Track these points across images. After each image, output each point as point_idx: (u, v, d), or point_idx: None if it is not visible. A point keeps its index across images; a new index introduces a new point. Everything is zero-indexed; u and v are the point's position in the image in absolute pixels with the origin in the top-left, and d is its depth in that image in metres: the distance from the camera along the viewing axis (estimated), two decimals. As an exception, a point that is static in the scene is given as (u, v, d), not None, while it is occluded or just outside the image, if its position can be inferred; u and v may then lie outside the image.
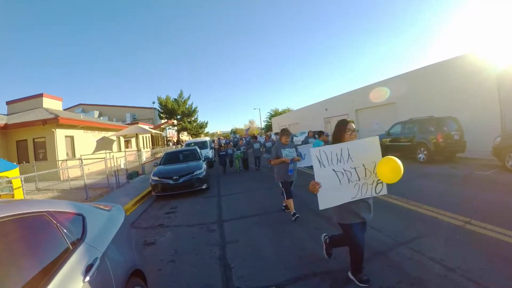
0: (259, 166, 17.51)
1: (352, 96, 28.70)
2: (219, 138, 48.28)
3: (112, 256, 2.87)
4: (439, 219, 6.15)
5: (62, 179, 16.49)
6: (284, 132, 7.35)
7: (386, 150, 14.81)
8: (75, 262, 2.38)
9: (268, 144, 16.78)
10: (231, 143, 21.15)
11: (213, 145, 28.30)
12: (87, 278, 2.34)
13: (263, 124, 75.75)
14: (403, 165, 3.52)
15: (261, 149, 17.42)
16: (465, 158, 13.35)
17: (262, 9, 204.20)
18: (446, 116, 14.11)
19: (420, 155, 13.96)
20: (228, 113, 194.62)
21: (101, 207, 3.76)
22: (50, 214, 2.51)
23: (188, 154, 14.08)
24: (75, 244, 2.58)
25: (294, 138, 28.11)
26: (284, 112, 69.87)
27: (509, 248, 4.61)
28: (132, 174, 16.39)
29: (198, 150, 14.87)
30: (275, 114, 73.34)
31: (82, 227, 2.86)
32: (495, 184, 8.58)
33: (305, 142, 14.67)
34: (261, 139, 23.79)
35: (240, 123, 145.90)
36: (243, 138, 33.58)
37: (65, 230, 2.56)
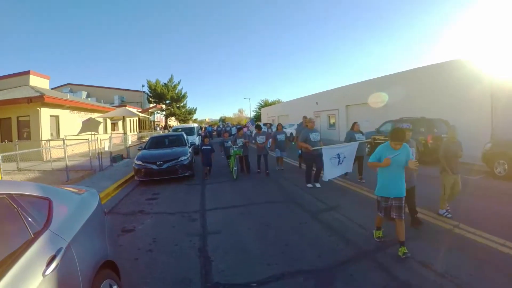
0: (267, 168, 11.99)
1: (343, 92, 28.51)
2: (206, 127, 47.71)
3: (79, 246, 2.60)
4: (428, 221, 6.06)
5: (45, 159, 16.01)
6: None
7: (375, 147, 14.65)
8: (35, 253, 2.12)
9: (281, 136, 12.61)
10: (227, 132, 15.54)
11: (200, 132, 27.79)
12: (48, 271, 2.09)
13: (252, 114, 75.42)
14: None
15: (264, 143, 12.32)
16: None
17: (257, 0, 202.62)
18: (437, 118, 14.02)
19: (411, 148, 13.77)
20: (218, 101, 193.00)
21: (74, 190, 3.50)
22: (10, 198, 2.24)
23: (174, 140, 13.76)
24: (38, 232, 2.32)
25: (283, 129, 27.80)
26: (274, 103, 69.51)
27: (496, 255, 4.54)
28: (116, 157, 16.02)
29: (185, 135, 14.53)
30: (265, 104, 72.92)
31: (47, 213, 2.59)
32: (482, 190, 8.50)
33: (298, 129, 13.34)
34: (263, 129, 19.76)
35: (229, 111, 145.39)
36: (231, 128, 32.97)
37: (27, 216, 2.29)
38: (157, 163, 10.81)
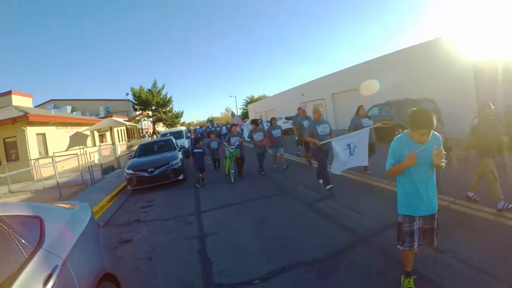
0: (262, 168, 11.19)
1: (328, 80, 28.63)
2: (195, 129, 47.42)
3: (75, 261, 2.56)
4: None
5: (36, 178, 15.81)
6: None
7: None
8: (30, 274, 2.07)
9: (277, 131, 11.57)
10: (214, 133, 14.22)
11: (189, 134, 27.66)
12: (46, 290, 2.05)
13: (239, 112, 75.42)
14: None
15: (263, 141, 11.19)
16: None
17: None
18: (422, 98, 14.11)
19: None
20: (204, 102, 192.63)
21: (65, 206, 3.46)
22: (0, 220, 2.22)
23: (163, 145, 13.72)
24: (32, 252, 2.28)
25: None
26: (260, 98, 69.64)
27: (495, 227, 4.60)
28: (107, 169, 15.92)
29: (173, 140, 14.49)
30: (251, 101, 73.10)
31: (39, 232, 2.54)
32: (474, 165, 8.57)
33: (297, 121, 12.05)
34: (246, 128, 18.73)
35: (216, 111, 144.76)
36: (221, 127, 32.77)
37: (19, 237, 2.25)
38: (148, 170, 10.76)
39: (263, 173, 10.97)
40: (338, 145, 7.37)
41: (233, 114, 27.84)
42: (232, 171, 10.49)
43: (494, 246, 4.05)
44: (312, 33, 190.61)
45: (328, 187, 7.66)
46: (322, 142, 7.52)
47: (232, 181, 10.24)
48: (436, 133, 3.23)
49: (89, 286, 2.55)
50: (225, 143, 11.46)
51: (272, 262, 4.37)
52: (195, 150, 10.87)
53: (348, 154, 7.48)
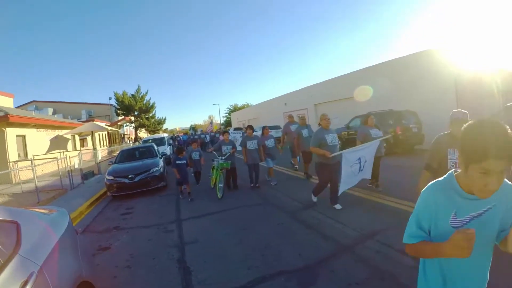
0: (257, 180, 9.93)
1: (311, 90, 28.86)
2: (178, 135, 46.96)
3: (52, 268, 2.52)
4: (403, 210, 6.19)
5: (14, 182, 15.44)
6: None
7: (346, 143, 14.87)
8: (6, 280, 2.03)
9: (270, 142, 10.38)
10: (197, 142, 12.86)
11: (171, 141, 27.46)
12: (21, 298, 2.01)
13: (222, 120, 75.22)
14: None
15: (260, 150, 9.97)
16: (423, 150, 13.53)
17: (219, 5, 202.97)
18: (405, 110, 14.39)
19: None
20: (187, 109, 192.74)
21: (43, 211, 3.40)
22: (-25, 225, 2.17)
23: (145, 151, 13.61)
24: (8, 257, 2.23)
25: (254, 132, 27.70)
26: (243, 107, 69.74)
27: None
28: (87, 174, 15.63)
29: (155, 146, 14.40)
30: (234, 109, 73.09)
31: (16, 237, 2.49)
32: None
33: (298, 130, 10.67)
34: (236, 134, 17.75)
35: (199, 119, 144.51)
36: (205, 135, 32.47)
37: (-6, 243, 2.22)
38: (129, 176, 10.64)
39: (257, 185, 9.81)
40: (348, 159, 6.50)
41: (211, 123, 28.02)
42: (221, 185, 9.11)
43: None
44: (294, 44, 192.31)
45: (314, 199, 7.27)
46: (333, 154, 6.42)
47: (220, 197, 8.91)
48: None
49: (65, 293, 2.51)
50: (215, 152, 10.10)
51: (253, 271, 4.36)
52: (178, 162, 9.49)
53: (358, 169, 6.74)
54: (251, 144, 9.73)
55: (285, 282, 3.99)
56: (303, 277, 4.10)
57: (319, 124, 7.06)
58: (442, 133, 3.89)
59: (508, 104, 10.14)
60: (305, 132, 10.31)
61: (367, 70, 21.81)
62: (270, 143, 10.28)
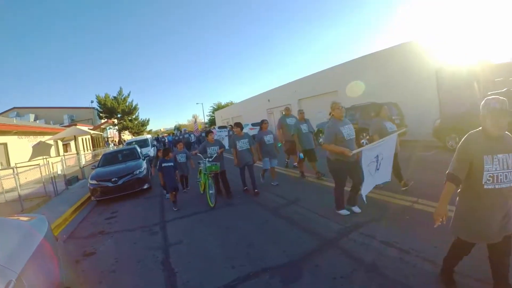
0: (254, 184, 8.64)
1: (294, 86, 28.91)
2: (163, 136, 46.53)
3: (31, 276, 2.51)
4: (387, 201, 6.31)
5: (-3, 191, 15.26)
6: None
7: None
8: None
9: (269, 138, 9.07)
10: (182, 142, 11.36)
11: (155, 142, 27.24)
12: (-1, 307, 2.02)
13: (206, 119, 75.04)
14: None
15: (253, 149, 8.80)
16: (407, 141, 13.70)
17: (199, 5, 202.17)
18: (386, 102, 14.49)
19: (363, 140, 14.33)
20: (171, 110, 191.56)
21: (22, 218, 3.39)
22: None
23: (128, 154, 13.53)
24: (-16, 268, 2.23)
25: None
26: (227, 105, 69.67)
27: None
28: (71, 180, 15.46)
29: (138, 148, 14.33)
30: (218, 107, 73.09)
31: (-8, 246, 2.50)
32: (438, 163, 8.86)
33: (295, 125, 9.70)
34: (222, 133, 17.70)
35: (183, 118, 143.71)
36: (190, 134, 32.13)
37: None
38: (112, 179, 10.58)
39: (256, 191, 8.53)
40: (367, 157, 5.44)
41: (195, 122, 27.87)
42: (211, 192, 8.07)
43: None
44: (277, 41, 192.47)
45: (342, 212, 5.95)
46: (353, 152, 5.46)
47: (212, 205, 7.87)
48: None
49: (45, 302, 2.51)
50: (200, 154, 8.78)
51: (237, 270, 4.39)
52: (164, 164, 8.39)
53: (374, 169, 5.67)
54: (242, 144, 8.55)
55: (269, 279, 4.02)
56: (287, 273, 4.14)
57: (331, 115, 5.97)
58: (473, 131, 2.92)
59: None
60: (304, 128, 9.47)
61: (350, 63, 21.96)
62: (269, 139, 9.00)
